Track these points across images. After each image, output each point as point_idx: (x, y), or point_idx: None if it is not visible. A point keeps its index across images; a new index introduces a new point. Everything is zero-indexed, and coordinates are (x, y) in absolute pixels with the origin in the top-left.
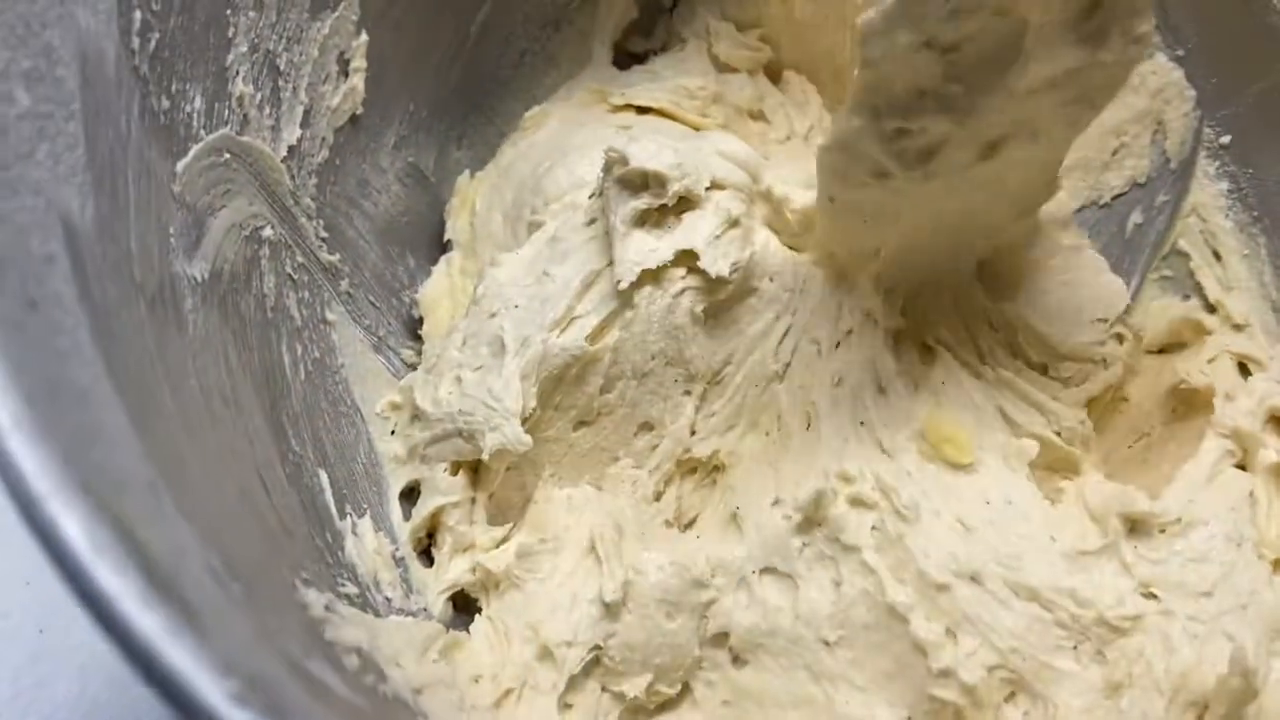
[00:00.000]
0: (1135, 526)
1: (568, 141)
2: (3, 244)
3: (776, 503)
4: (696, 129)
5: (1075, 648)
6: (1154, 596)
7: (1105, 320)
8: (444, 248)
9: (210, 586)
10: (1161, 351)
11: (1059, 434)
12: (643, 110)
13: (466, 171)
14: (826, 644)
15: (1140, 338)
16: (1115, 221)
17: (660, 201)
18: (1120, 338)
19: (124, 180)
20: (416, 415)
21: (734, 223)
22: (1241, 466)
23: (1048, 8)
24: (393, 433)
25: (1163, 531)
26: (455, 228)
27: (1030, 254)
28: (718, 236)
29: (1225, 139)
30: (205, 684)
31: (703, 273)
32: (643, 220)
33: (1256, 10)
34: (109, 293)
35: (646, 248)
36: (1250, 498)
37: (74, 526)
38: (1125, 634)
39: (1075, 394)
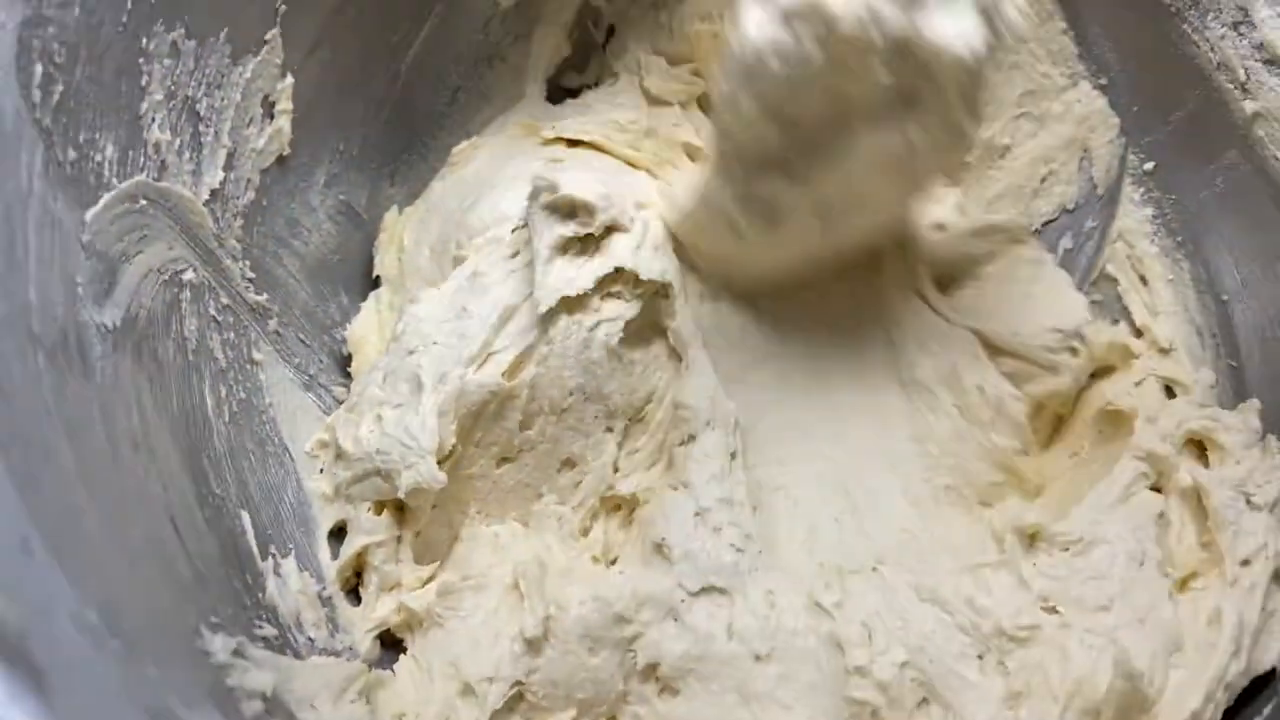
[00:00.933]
0: (1035, 543)
1: (495, 175)
2: None
3: (699, 515)
4: (627, 163)
5: (980, 658)
6: (1054, 611)
7: (1061, 331)
8: (375, 284)
9: (75, 645)
10: (1093, 376)
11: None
12: (573, 143)
13: (395, 207)
14: (758, 658)
15: (1094, 359)
16: (1046, 247)
17: (586, 230)
18: (1074, 351)
19: (22, 234)
20: (340, 454)
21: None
22: (1158, 488)
23: (865, 78)
24: (321, 471)
25: (1065, 550)
26: (383, 263)
27: (993, 268)
28: (638, 246)
29: (1149, 165)
30: None
31: (620, 298)
32: (566, 248)
33: (1174, 40)
34: (7, 348)
35: (567, 276)
36: (1161, 518)
37: None
38: (1024, 644)
39: (1015, 406)
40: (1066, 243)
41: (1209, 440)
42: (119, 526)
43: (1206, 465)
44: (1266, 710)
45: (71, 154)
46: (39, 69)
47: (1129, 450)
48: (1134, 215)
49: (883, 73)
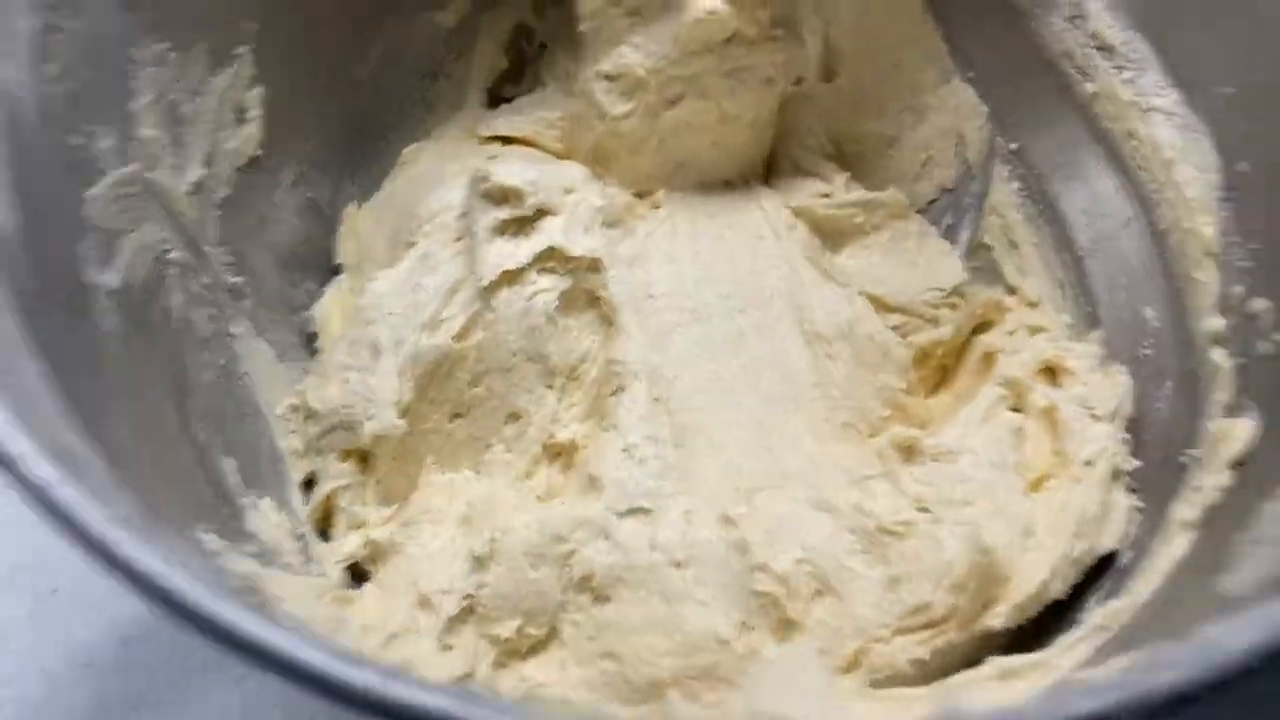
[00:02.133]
0: (912, 456)
1: (440, 172)
2: None
3: (625, 450)
4: (555, 155)
5: (865, 553)
6: (926, 510)
7: (940, 289)
8: (337, 271)
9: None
10: (974, 331)
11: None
12: (508, 141)
13: (354, 203)
14: (676, 564)
15: (975, 314)
16: (930, 222)
17: (519, 213)
18: (953, 306)
19: (41, 203)
20: (309, 414)
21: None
22: (1018, 410)
23: None
24: (292, 432)
25: (936, 460)
26: (344, 252)
27: (880, 239)
28: (568, 227)
29: (1013, 145)
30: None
31: (555, 272)
32: (503, 230)
33: (1026, 35)
34: (31, 289)
35: (506, 252)
36: (1019, 432)
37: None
38: (902, 538)
39: (900, 352)
40: (948, 219)
41: (1059, 366)
42: (132, 448)
43: (1059, 388)
44: (1107, 584)
45: (79, 140)
46: (49, 68)
47: (992, 379)
48: (1003, 190)
49: None
